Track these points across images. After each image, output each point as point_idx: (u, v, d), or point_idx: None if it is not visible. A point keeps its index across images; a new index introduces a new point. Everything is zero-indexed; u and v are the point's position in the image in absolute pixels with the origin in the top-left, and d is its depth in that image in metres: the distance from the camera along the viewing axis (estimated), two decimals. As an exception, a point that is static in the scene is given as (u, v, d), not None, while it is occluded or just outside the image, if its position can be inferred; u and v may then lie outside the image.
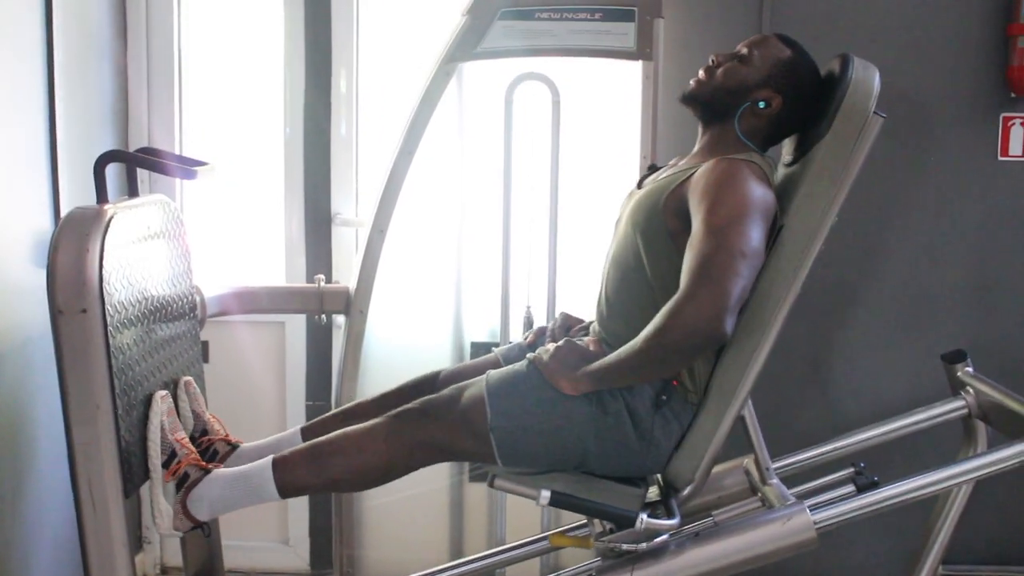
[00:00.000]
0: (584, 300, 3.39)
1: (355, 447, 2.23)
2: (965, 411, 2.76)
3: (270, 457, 2.26)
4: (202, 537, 2.84)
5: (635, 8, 3.06)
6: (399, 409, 2.27)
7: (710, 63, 2.45)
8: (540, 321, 3.44)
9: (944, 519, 2.79)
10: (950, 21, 3.41)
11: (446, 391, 2.29)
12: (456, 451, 2.29)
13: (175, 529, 2.24)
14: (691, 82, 2.47)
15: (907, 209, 3.49)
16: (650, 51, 3.08)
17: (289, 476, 2.24)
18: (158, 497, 2.23)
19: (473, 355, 3.55)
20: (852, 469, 2.63)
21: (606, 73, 3.39)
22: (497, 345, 3.36)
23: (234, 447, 2.51)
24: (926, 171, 3.47)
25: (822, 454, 2.80)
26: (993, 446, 2.62)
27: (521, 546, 2.82)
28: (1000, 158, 3.45)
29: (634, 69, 3.17)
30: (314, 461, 2.25)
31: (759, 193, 2.19)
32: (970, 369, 2.78)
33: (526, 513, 3.41)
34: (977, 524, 3.06)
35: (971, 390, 2.75)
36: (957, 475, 2.40)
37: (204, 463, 2.27)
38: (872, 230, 3.47)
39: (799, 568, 3.22)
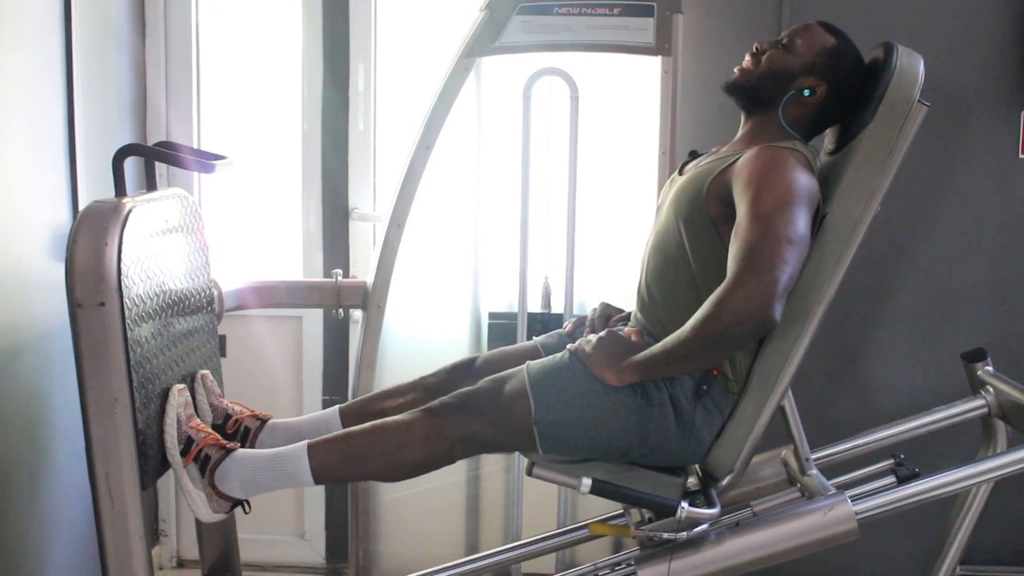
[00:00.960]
0: (602, 275, 3.49)
1: (394, 442, 2.21)
2: (985, 410, 2.74)
3: (305, 443, 2.24)
4: (219, 531, 2.86)
5: (654, 3, 3.05)
6: (437, 403, 2.24)
7: (754, 51, 2.44)
8: (558, 292, 3.45)
9: (963, 519, 2.77)
10: (968, 19, 3.39)
11: (484, 384, 2.27)
12: (497, 444, 2.29)
13: (215, 513, 2.23)
14: (735, 70, 2.45)
15: (928, 206, 3.47)
16: (669, 46, 3.07)
17: (325, 465, 2.23)
18: (187, 486, 2.23)
19: (491, 326, 3.55)
20: (892, 460, 2.63)
21: (625, 68, 3.38)
22: (515, 316, 3.36)
23: (264, 421, 2.50)
24: (946, 169, 3.45)
25: (850, 448, 2.78)
26: (1013, 446, 2.60)
27: (550, 537, 2.80)
28: (1021, 156, 3.43)
29: (653, 64, 3.16)
30: (351, 453, 2.23)
31: (804, 180, 2.19)
32: (990, 368, 2.76)
33: (542, 508, 3.42)
34: (996, 524, 3.04)
35: (991, 389, 2.73)
36: (999, 467, 2.38)
37: (224, 442, 2.26)
38: (895, 227, 3.45)
39: (816, 568, 3.21)
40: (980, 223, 3.47)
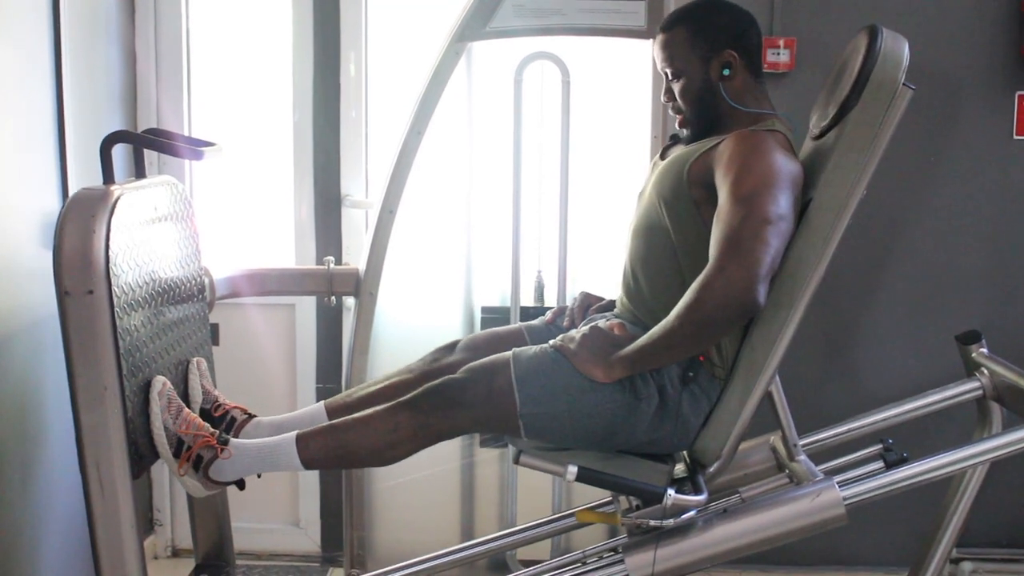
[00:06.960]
0: (595, 267, 3.47)
1: (383, 441, 2.22)
2: (980, 392, 2.73)
3: (294, 435, 2.26)
4: (213, 520, 2.86)
5: (645, -14, 3.05)
6: (423, 396, 2.23)
7: (671, 108, 2.46)
8: (551, 285, 3.46)
9: (958, 502, 2.77)
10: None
11: (470, 375, 2.25)
12: (482, 431, 2.30)
13: (209, 492, 2.28)
14: (678, 128, 2.48)
15: (922, 188, 3.46)
16: (661, 29, 3.06)
17: (313, 457, 2.25)
18: (183, 479, 2.25)
19: (484, 320, 3.54)
20: (880, 446, 2.62)
21: (616, 52, 3.36)
22: (508, 310, 3.36)
23: (251, 416, 2.50)
24: (941, 150, 3.44)
25: (840, 433, 2.77)
26: (1008, 428, 2.59)
27: (544, 524, 2.81)
28: (1016, 136, 3.42)
29: (644, 48, 3.15)
30: (338, 446, 2.25)
31: (785, 163, 2.19)
32: (985, 350, 2.75)
33: (537, 494, 3.41)
34: (992, 507, 3.03)
35: (986, 371, 2.72)
36: (987, 451, 2.37)
37: (214, 441, 2.26)
38: (888, 209, 3.44)
39: (813, 552, 3.21)
40: (975, 204, 3.46)
